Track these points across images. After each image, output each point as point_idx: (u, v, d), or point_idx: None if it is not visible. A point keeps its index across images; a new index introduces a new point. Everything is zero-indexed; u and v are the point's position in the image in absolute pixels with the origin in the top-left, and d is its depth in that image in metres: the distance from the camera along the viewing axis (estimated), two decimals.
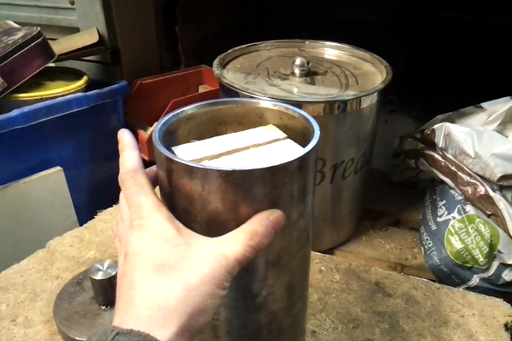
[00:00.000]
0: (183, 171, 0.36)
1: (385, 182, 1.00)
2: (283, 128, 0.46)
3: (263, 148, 0.43)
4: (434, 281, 0.69)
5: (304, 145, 0.43)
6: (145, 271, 0.34)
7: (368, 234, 0.86)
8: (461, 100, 0.96)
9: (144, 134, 1.04)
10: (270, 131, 0.46)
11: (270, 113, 0.47)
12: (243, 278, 0.40)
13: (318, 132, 0.40)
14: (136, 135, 1.06)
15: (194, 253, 0.35)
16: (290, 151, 0.42)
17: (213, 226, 0.38)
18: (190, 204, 0.38)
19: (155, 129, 0.41)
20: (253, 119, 0.48)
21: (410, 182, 0.98)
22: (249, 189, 0.36)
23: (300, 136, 0.44)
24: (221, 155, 0.41)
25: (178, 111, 0.45)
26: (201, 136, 0.46)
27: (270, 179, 0.36)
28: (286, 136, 0.45)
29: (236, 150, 0.42)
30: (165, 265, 0.34)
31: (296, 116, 0.45)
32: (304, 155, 0.37)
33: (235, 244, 0.35)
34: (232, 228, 0.38)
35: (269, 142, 0.44)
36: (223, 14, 1.40)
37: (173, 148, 0.43)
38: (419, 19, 1.38)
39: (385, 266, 0.77)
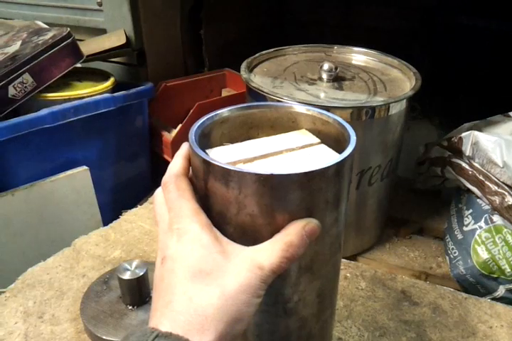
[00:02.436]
0: (220, 174, 0.36)
1: (408, 189, 0.99)
2: (316, 133, 0.46)
3: (297, 153, 0.43)
4: (458, 291, 0.68)
5: (337, 150, 0.43)
6: (182, 276, 0.35)
7: (391, 242, 0.85)
8: (485, 108, 0.95)
9: (168, 136, 1.05)
10: (303, 136, 0.46)
11: (303, 118, 0.47)
12: (275, 283, 0.40)
13: (355, 138, 0.40)
14: (160, 137, 1.07)
15: (230, 261, 0.35)
16: (325, 156, 0.42)
17: (248, 230, 0.38)
18: (225, 208, 0.38)
19: (191, 132, 0.41)
20: (285, 124, 0.48)
21: (434, 190, 0.97)
22: (286, 193, 0.36)
23: (333, 141, 0.44)
24: (255, 159, 0.41)
25: (212, 114, 0.45)
26: (233, 139, 0.46)
27: (307, 184, 0.36)
28: (319, 140, 0.45)
29: (270, 155, 0.42)
30: (202, 272, 0.35)
31: (330, 122, 0.45)
32: (341, 161, 0.37)
33: (270, 255, 0.35)
34: (266, 232, 0.38)
35: (303, 147, 0.44)
36: (246, 18, 1.41)
37: (207, 151, 0.43)
38: (442, 25, 1.38)
39: (409, 274, 0.76)
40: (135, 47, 1.09)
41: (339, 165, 0.37)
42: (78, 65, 0.99)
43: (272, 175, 0.35)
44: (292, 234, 0.36)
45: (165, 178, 0.39)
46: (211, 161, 0.36)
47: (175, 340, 0.32)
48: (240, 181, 0.36)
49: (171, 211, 0.38)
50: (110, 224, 0.80)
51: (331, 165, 0.36)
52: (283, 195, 0.36)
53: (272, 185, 0.35)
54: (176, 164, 0.40)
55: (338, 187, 0.38)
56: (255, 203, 0.36)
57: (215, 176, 0.37)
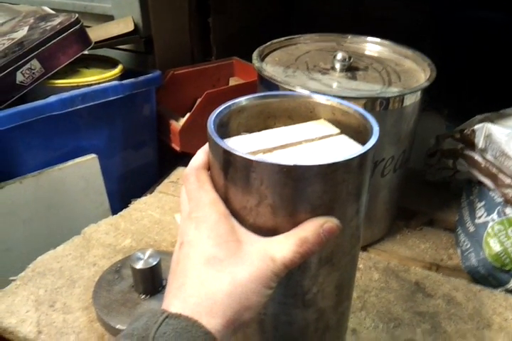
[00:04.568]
0: (242, 164, 0.36)
1: (418, 181, 0.99)
2: (335, 123, 0.45)
3: (317, 143, 0.42)
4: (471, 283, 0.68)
5: (358, 141, 0.42)
6: (197, 261, 0.36)
7: (402, 233, 0.85)
8: (495, 100, 0.94)
9: (176, 125, 1.04)
10: (322, 126, 0.45)
11: (322, 108, 0.46)
12: (295, 274, 0.40)
13: (378, 128, 0.39)
14: (167, 125, 1.06)
15: (244, 250, 0.36)
16: (346, 147, 0.41)
17: (267, 222, 0.38)
18: (245, 198, 0.37)
19: (209, 121, 0.40)
20: (303, 114, 0.47)
21: (444, 181, 0.97)
22: (308, 185, 0.35)
23: (353, 132, 0.44)
24: (274, 149, 0.41)
25: (229, 103, 0.44)
26: (250, 129, 0.46)
27: (331, 175, 0.35)
28: (339, 131, 0.44)
29: (289, 145, 0.41)
30: (216, 258, 0.36)
31: (350, 112, 0.44)
32: (365, 152, 0.36)
33: (283, 248, 0.36)
34: (286, 224, 0.37)
35: (323, 137, 0.43)
36: (255, 7, 1.39)
37: (225, 141, 0.42)
38: (453, 17, 1.36)
39: (420, 265, 0.76)
40: (143, 35, 1.08)
41: (363, 156, 0.36)
42: (85, 52, 0.98)
43: (295, 166, 0.34)
44: (309, 230, 0.36)
45: (186, 171, 0.41)
46: (232, 151, 0.36)
47: (184, 321, 0.33)
48: (262, 172, 0.35)
49: (191, 201, 0.39)
50: (120, 213, 0.79)
51: (356, 157, 0.35)
52: (305, 186, 0.35)
53: (295, 176, 0.35)
54: (198, 158, 0.41)
55: (360, 178, 0.38)
56: (276, 194, 0.36)
57: (236, 166, 0.36)
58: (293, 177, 0.35)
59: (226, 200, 0.39)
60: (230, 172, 0.37)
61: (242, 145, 0.41)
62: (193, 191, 0.39)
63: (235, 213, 0.38)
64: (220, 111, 0.42)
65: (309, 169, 0.35)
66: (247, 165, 0.35)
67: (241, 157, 0.36)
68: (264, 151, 0.40)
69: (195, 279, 0.35)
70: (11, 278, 0.65)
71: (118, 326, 0.54)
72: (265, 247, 0.36)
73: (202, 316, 0.33)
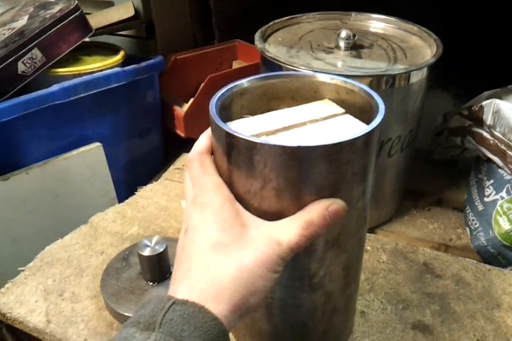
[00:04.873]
0: (245, 147, 0.35)
1: (425, 160, 0.97)
2: (339, 103, 0.44)
3: (321, 124, 0.41)
4: (479, 262, 0.67)
5: (362, 120, 0.41)
6: (202, 246, 0.36)
7: (410, 214, 0.84)
8: (503, 76, 0.92)
9: (179, 111, 1.03)
10: (326, 106, 0.44)
11: (326, 87, 0.45)
12: (301, 257, 0.40)
13: (383, 106, 0.38)
14: (171, 111, 1.05)
15: (249, 235, 0.36)
16: (351, 127, 0.40)
17: (273, 205, 0.37)
18: (249, 182, 0.37)
19: (211, 104, 0.40)
20: (307, 94, 0.46)
21: (452, 160, 0.95)
22: (313, 166, 0.35)
23: (358, 111, 0.43)
24: (278, 131, 0.40)
25: (231, 85, 0.43)
26: (253, 111, 0.45)
27: (336, 156, 0.35)
28: (344, 110, 0.43)
29: (293, 126, 0.41)
30: (221, 243, 0.35)
31: (355, 90, 0.43)
32: (370, 131, 0.35)
33: (289, 231, 0.35)
34: (292, 207, 0.37)
35: (327, 117, 0.42)
36: None
37: (228, 124, 0.41)
38: None
39: (429, 246, 0.75)
40: (144, 20, 1.07)
41: (368, 135, 0.35)
42: (86, 39, 0.97)
43: (299, 148, 0.33)
44: (314, 212, 0.35)
45: (189, 156, 0.40)
46: (235, 134, 0.35)
47: (190, 307, 0.33)
48: (266, 154, 0.34)
49: (195, 186, 0.38)
50: (126, 201, 0.79)
51: (361, 136, 0.35)
52: (310, 168, 0.35)
53: (299, 158, 0.34)
54: (201, 142, 0.40)
55: (366, 158, 0.37)
56: (281, 176, 0.35)
57: (239, 149, 0.36)
58: (297, 158, 0.34)
59: (230, 184, 0.38)
60: (233, 155, 0.37)
61: (244, 128, 0.40)
62: (196, 176, 0.39)
63: (239, 197, 0.38)
64: (221, 94, 0.42)
65: (313, 150, 0.34)
66: (250, 148, 0.35)
67: (244, 140, 0.35)
68: (268, 133, 0.39)
69: (200, 265, 0.35)
70: (20, 268, 0.65)
71: (126, 313, 0.54)
72: (270, 231, 0.36)
73: (208, 302, 0.33)
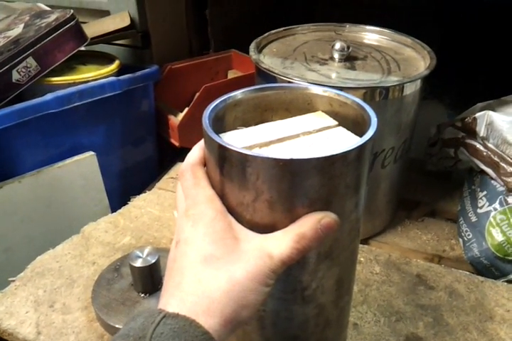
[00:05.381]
0: (237, 159, 0.35)
1: (418, 171, 0.98)
2: (333, 115, 0.44)
3: (314, 136, 0.41)
4: (473, 274, 0.67)
5: (355, 133, 0.41)
6: (194, 259, 0.35)
7: (403, 225, 0.84)
8: (497, 87, 0.92)
9: (174, 120, 1.03)
10: (320, 118, 0.44)
11: (319, 99, 0.45)
12: (293, 270, 0.39)
13: (376, 119, 0.38)
14: (166, 120, 1.05)
15: (241, 248, 0.35)
16: (344, 140, 0.40)
17: (265, 218, 0.37)
18: (242, 194, 0.37)
19: (204, 115, 0.40)
20: (301, 106, 0.46)
21: (445, 171, 0.96)
22: (305, 179, 0.34)
23: (351, 123, 0.43)
24: (271, 143, 0.40)
25: (225, 96, 0.43)
26: (246, 122, 0.45)
27: (328, 169, 0.35)
28: (337, 123, 0.43)
29: (286, 138, 0.41)
30: (213, 256, 0.35)
31: (348, 103, 0.43)
32: (363, 144, 0.35)
33: (281, 245, 0.35)
34: (284, 220, 0.36)
35: (320, 129, 0.42)
36: None
37: (221, 135, 0.41)
38: (455, 2, 1.34)
39: (422, 257, 0.75)
40: (139, 29, 1.07)
41: (361, 148, 0.35)
42: (82, 48, 0.97)
43: (291, 160, 0.33)
44: (306, 226, 0.35)
45: (182, 167, 0.40)
46: (227, 146, 0.35)
47: (181, 321, 0.32)
48: (258, 166, 0.34)
49: (187, 198, 0.38)
50: (119, 211, 0.79)
51: (353, 149, 0.35)
52: (302, 180, 0.35)
53: (292, 170, 0.34)
54: (194, 153, 0.40)
55: (359, 171, 0.37)
56: (273, 189, 0.35)
57: (232, 161, 0.36)
58: (289, 171, 0.34)
59: (222, 196, 0.38)
60: (226, 167, 0.36)
61: (237, 139, 0.40)
62: (189, 188, 0.38)
63: (231, 209, 0.38)
64: (215, 106, 0.42)
65: (306, 162, 0.34)
66: (243, 160, 0.35)
67: (236, 152, 0.35)
68: (261, 145, 0.39)
69: (192, 277, 0.35)
70: (10, 278, 0.64)
71: (117, 325, 0.53)
72: (262, 244, 0.35)
73: (199, 315, 0.33)
